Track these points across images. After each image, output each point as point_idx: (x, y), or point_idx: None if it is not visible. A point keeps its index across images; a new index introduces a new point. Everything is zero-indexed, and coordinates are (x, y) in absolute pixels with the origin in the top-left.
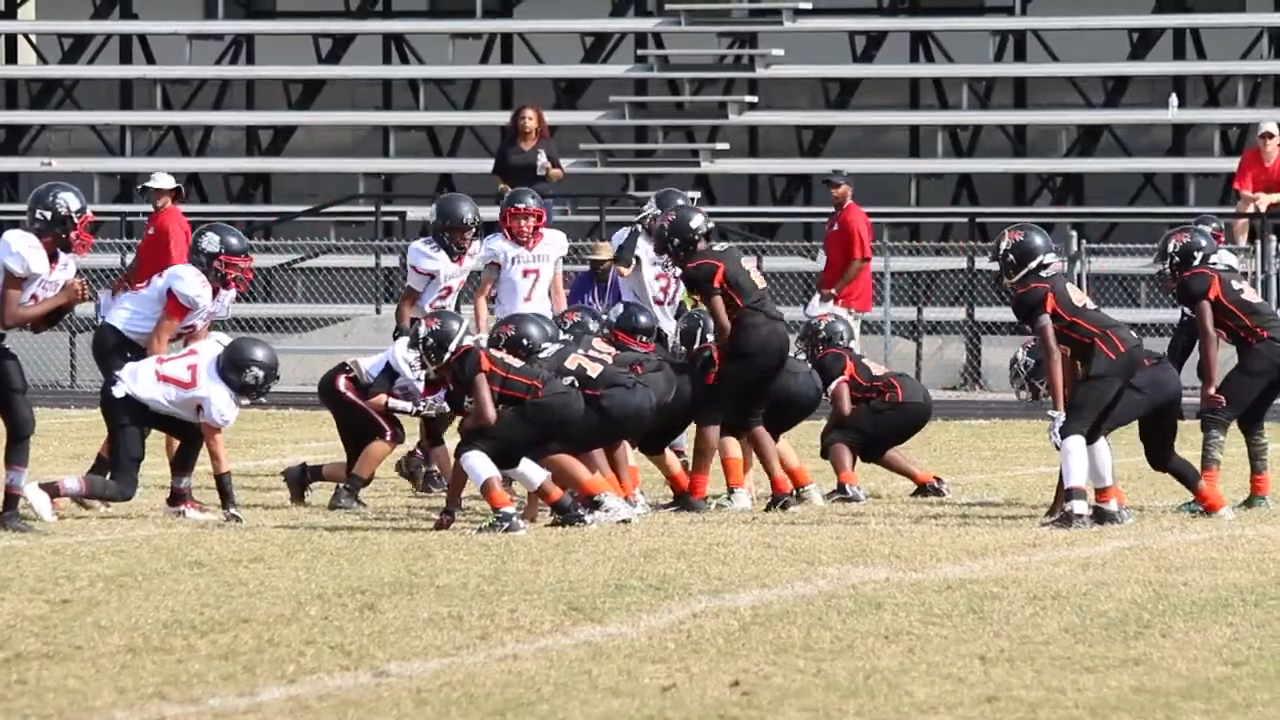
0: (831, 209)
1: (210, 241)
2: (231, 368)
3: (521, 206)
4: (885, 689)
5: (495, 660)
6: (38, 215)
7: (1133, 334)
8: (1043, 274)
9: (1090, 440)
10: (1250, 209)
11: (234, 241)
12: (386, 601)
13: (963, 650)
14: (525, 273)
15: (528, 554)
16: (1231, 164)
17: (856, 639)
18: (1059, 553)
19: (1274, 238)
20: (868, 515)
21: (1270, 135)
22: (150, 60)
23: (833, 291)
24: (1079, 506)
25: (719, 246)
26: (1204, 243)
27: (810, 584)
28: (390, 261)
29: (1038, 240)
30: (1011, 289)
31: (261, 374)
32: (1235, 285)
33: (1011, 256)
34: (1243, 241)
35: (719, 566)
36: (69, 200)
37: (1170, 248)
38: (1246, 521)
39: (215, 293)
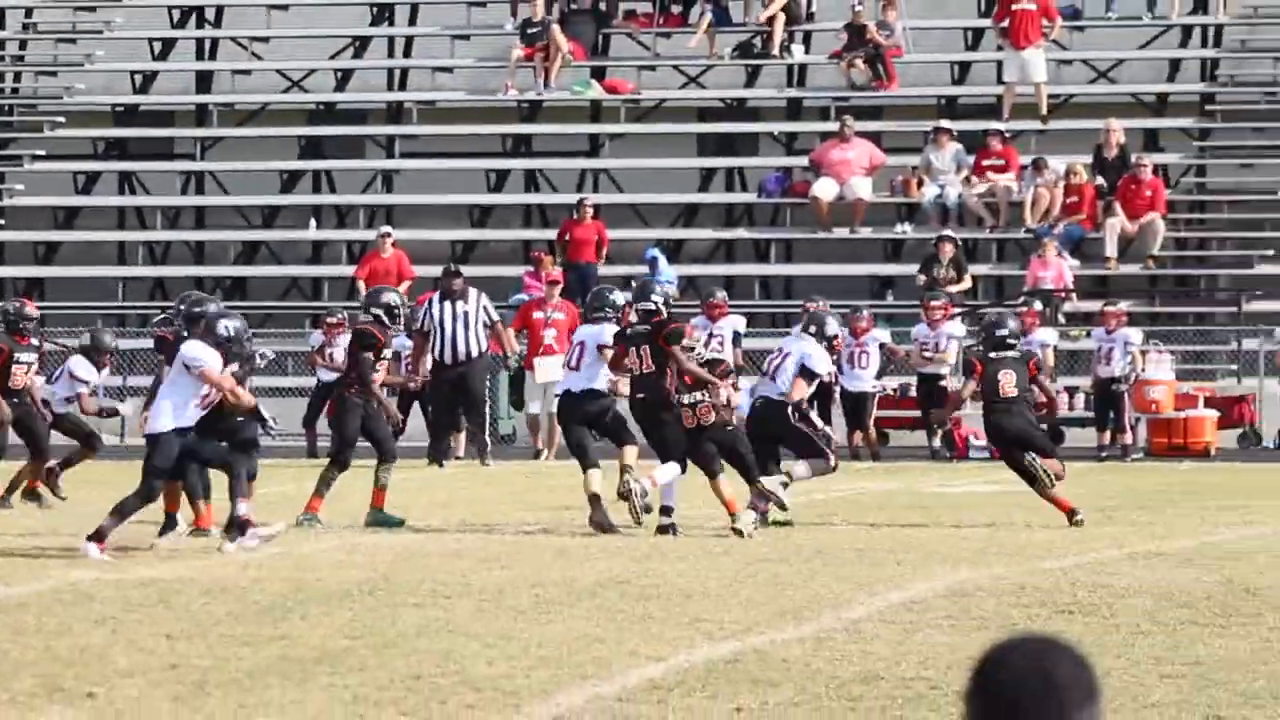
0: None
1: None
2: (208, 334)
3: None
4: (95, 660)
5: None
6: None
7: None
8: None
9: None
10: None
11: None
12: None
13: (154, 630)
14: None
15: None
16: (349, 269)
17: (74, 623)
18: (228, 559)
19: None
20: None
21: (387, 235)
22: None
23: None
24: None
25: None
26: None
27: (40, 582)
28: None
29: None
30: None
31: (232, 327)
32: None
33: None
34: None
35: None
36: None
37: None
38: (363, 531)
39: None
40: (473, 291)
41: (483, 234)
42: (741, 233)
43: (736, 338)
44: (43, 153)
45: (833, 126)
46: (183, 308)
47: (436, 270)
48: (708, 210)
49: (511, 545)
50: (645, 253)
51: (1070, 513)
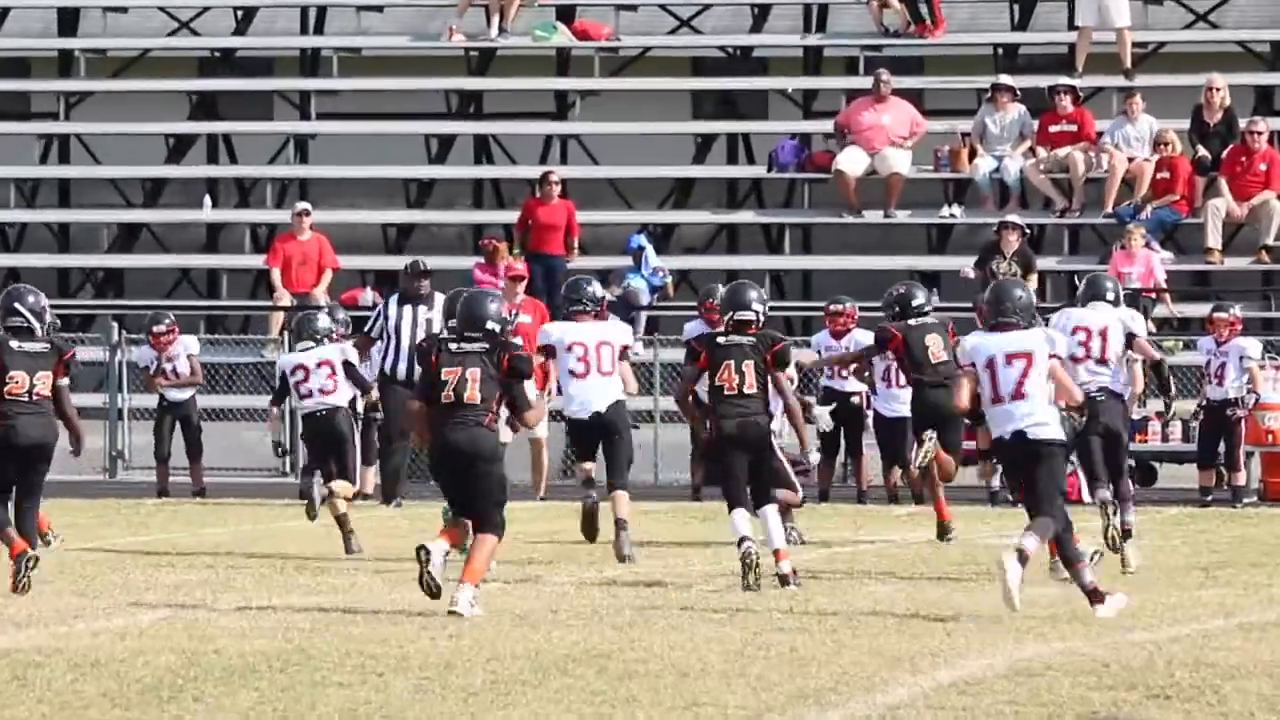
0: None
1: None
2: None
3: None
4: None
5: None
6: None
7: None
8: None
9: None
10: None
11: None
12: None
13: (5, 716)
14: None
15: None
16: (259, 259)
17: None
18: (98, 623)
19: None
20: None
21: (305, 214)
22: None
23: None
24: None
25: None
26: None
27: None
28: None
29: None
30: None
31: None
32: None
33: None
34: None
35: None
36: None
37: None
38: (274, 590)
39: None
40: (439, 296)
41: (422, 215)
42: (747, 216)
43: None
44: None
45: (863, 83)
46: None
47: (364, 261)
48: (705, 187)
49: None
50: (629, 241)
51: (944, 526)
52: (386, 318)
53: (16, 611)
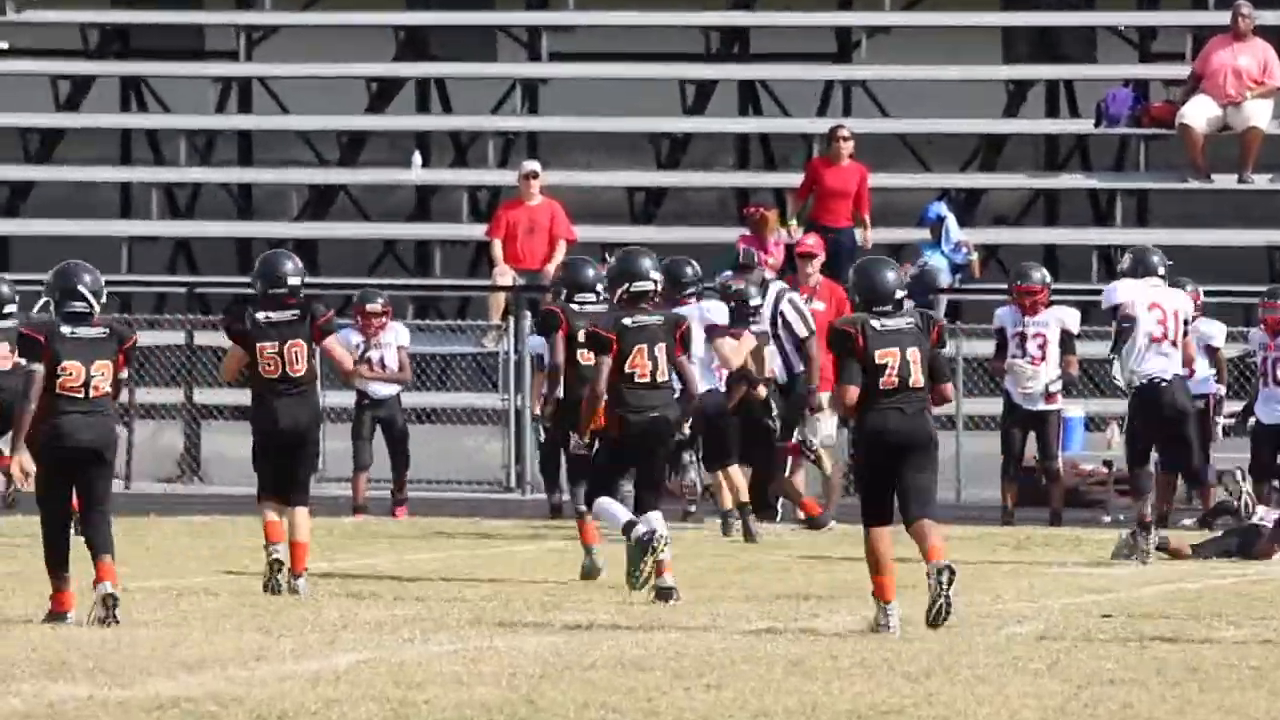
0: None
1: None
2: None
3: None
4: None
5: None
6: None
7: None
8: None
9: None
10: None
11: None
12: None
13: None
14: None
15: None
16: (480, 229)
17: None
18: (285, 666)
19: None
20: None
21: (533, 175)
22: None
23: None
24: None
25: None
26: None
27: (2, 702)
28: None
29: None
30: None
31: None
32: None
33: None
34: None
35: None
36: None
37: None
38: (496, 629)
39: None
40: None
41: (675, 177)
42: (1069, 180)
43: (1067, 340)
44: (4, 45)
45: (1215, 18)
46: None
47: (605, 231)
48: (1018, 145)
49: (723, 650)
50: (926, 210)
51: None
52: None
53: (188, 652)
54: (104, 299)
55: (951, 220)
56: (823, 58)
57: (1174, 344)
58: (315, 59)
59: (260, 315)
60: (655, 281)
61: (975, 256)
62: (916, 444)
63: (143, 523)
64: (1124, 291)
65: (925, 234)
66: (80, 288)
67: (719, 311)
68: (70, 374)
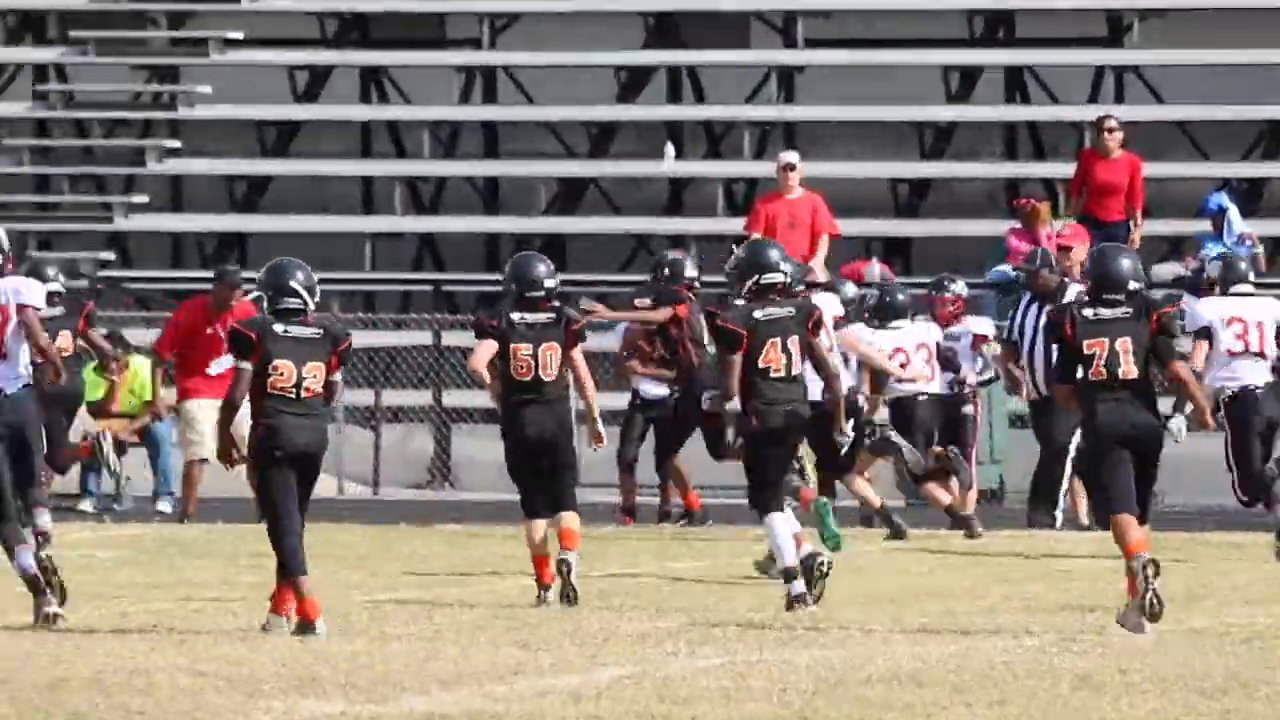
0: None
1: None
2: None
3: None
4: None
5: None
6: None
7: None
8: None
9: None
10: None
11: None
12: None
13: None
14: None
15: None
16: (737, 223)
17: None
18: (544, 681)
19: None
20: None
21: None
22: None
23: None
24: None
25: None
26: None
27: (252, 719)
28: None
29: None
30: None
31: None
32: None
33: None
34: None
35: (140, 699)
36: None
37: None
38: (766, 642)
39: None
40: None
41: (940, 167)
42: None
43: None
44: (239, 35)
45: None
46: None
47: (869, 225)
48: None
49: (1004, 664)
50: (1206, 201)
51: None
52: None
53: (442, 667)
54: (317, 296)
55: (1234, 211)
56: (1093, 42)
57: (1260, 354)
58: (561, 47)
59: (515, 315)
60: (785, 273)
61: (1260, 250)
62: (1141, 437)
63: (394, 531)
64: (1206, 309)
65: (1206, 225)
66: (293, 284)
67: (830, 303)
68: (281, 373)
